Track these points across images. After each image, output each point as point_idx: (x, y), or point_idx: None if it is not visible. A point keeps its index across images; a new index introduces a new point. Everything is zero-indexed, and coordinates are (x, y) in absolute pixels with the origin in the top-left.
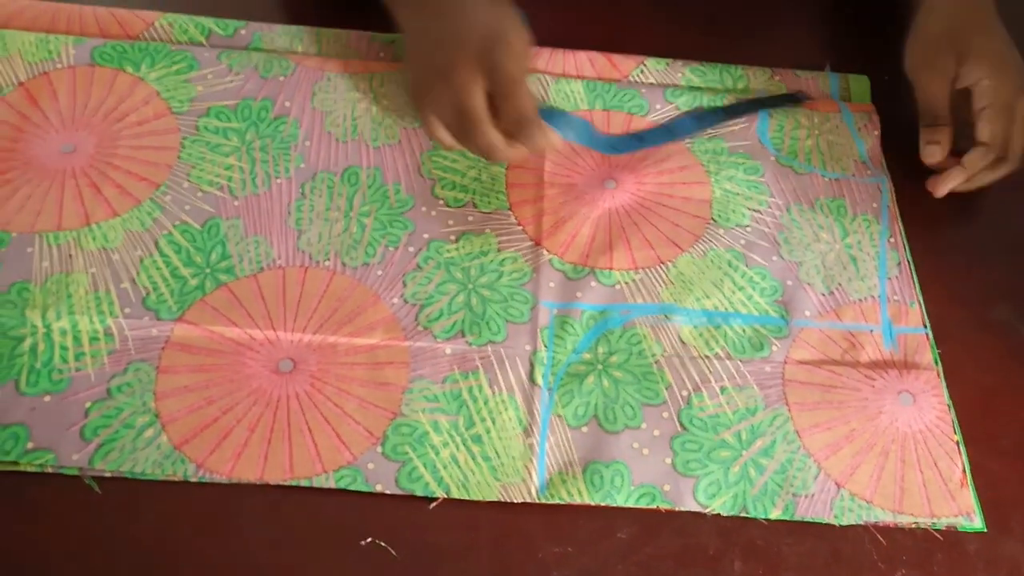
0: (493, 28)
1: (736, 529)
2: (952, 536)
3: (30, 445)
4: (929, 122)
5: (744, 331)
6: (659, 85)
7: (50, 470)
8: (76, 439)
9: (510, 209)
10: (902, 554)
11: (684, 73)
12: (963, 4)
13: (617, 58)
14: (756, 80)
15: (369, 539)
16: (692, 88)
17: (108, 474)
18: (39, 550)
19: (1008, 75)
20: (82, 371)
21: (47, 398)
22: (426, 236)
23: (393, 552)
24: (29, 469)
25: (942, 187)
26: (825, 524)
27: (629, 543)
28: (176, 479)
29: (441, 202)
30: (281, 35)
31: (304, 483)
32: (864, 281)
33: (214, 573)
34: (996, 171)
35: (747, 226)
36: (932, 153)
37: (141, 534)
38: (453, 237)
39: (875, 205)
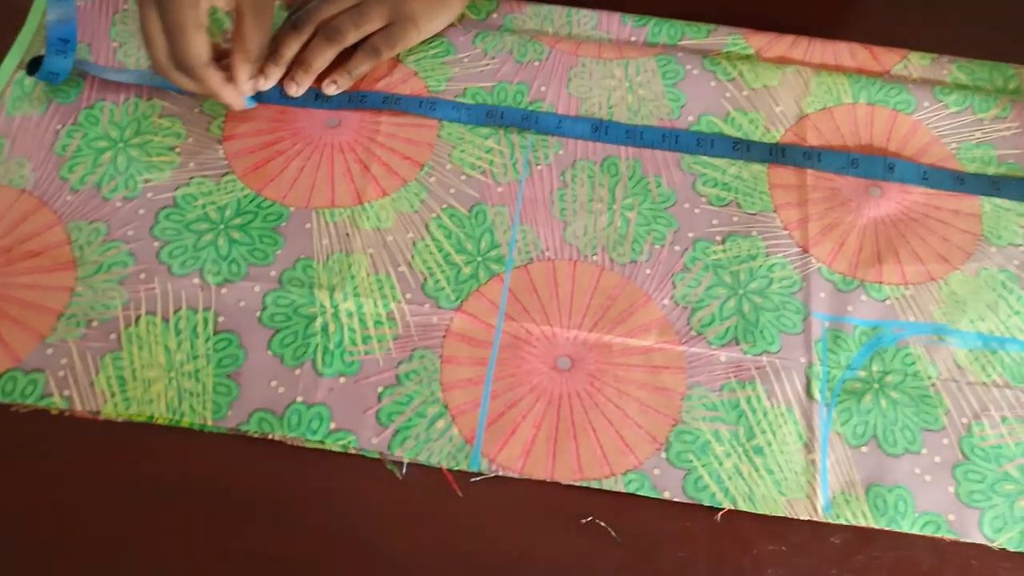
0: None
1: (952, 548)
2: None
3: (332, 426)
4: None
5: (1023, 359)
6: (926, 82)
7: (352, 451)
8: (373, 423)
9: (775, 211)
10: None
11: (951, 70)
12: None
13: (879, 50)
14: None
15: (590, 518)
16: (960, 87)
17: (407, 460)
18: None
19: None
20: (371, 355)
21: (342, 380)
22: (691, 235)
23: (613, 533)
24: (334, 449)
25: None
26: None
27: (843, 548)
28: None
29: (703, 199)
30: (531, 16)
31: (594, 485)
32: None
33: (447, 537)
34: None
35: (1020, 245)
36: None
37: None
38: (719, 238)
39: None
